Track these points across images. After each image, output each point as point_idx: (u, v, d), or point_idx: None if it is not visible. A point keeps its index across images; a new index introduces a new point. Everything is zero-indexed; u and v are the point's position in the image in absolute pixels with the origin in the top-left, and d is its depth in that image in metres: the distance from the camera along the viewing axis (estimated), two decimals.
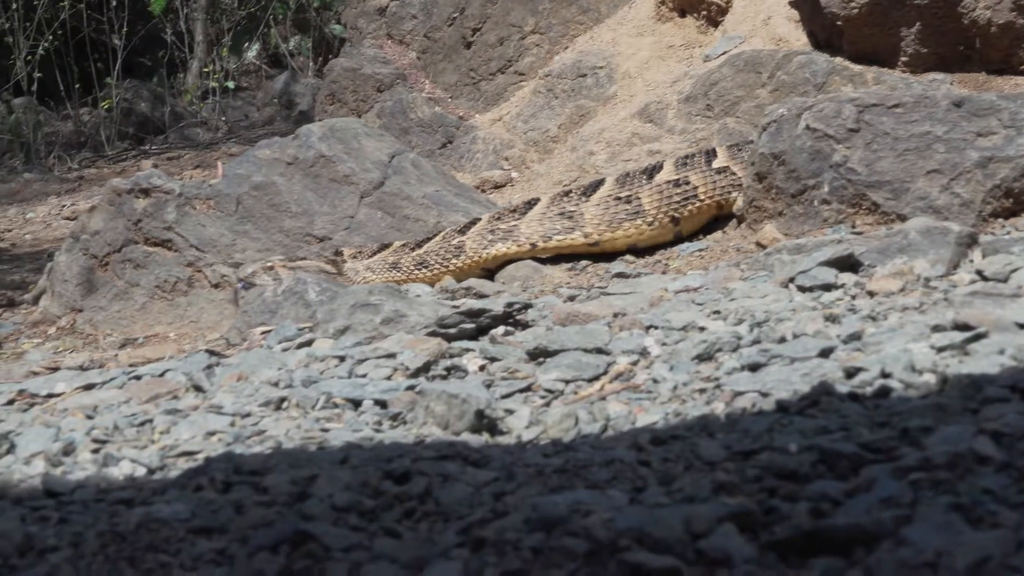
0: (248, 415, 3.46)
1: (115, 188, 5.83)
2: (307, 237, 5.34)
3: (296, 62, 15.29)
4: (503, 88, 7.83)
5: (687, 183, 5.30)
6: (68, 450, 3.31)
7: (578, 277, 4.95)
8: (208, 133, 14.13)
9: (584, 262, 5.10)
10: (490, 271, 5.22)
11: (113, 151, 13.80)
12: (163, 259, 5.46)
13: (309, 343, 4.15)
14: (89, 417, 3.69)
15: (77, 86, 14.57)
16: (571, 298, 4.50)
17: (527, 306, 4.24)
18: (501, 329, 4.11)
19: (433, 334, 4.06)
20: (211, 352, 4.29)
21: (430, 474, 2.75)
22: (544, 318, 4.20)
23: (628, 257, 5.14)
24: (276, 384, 3.67)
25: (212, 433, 3.33)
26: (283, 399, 3.54)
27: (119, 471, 3.12)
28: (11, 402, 4.14)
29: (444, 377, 3.69)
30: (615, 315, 4.12)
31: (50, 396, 4.11)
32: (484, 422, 3.19)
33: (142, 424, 3.48)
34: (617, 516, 2.35)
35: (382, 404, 3.48)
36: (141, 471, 3.12)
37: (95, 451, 3.31)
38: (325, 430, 3.29)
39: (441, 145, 7.59)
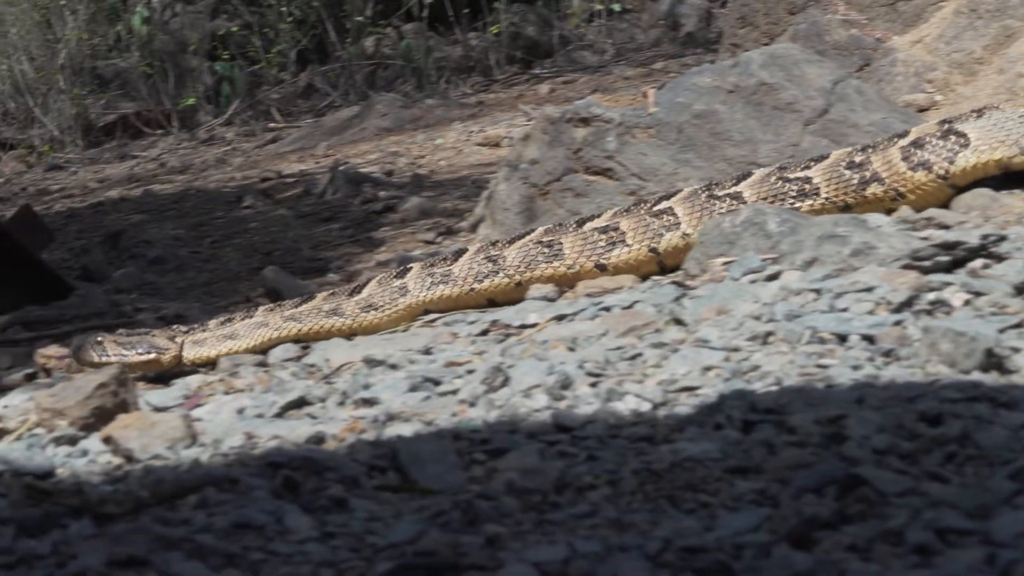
0: (737, 350, 3.44)
1: (547, 117, 5.88)
2: (750, 166, 5.29)
3: None
4: (922, 8, 7.61)
5: None
6: (565, 384, 3.35)
7: None
8: (595, 56, 14.17)
9: None
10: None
11: (502, 75, 13.97)
12: (604, 188, 5.49)
13: (776, 275, 4.11)
14: (571, 349, 3.73)
15: (466, 11, 14.79)
16: None
17: (1002, 238, 4.12)
18: (978, 262, 4.00)
19: (907, 267, 3.98)
20: (676, 283, 4.30)
21: (964, 416, 2.70)
22: (1019, 250, 4.07)
23: None
24: (758, 318, 3.65)
25: (708, 368, 3.32)
26: (768, 333, 3.51)
27: (624, 406, 3.15)
28: (485, 332, 4.22)
29: (928, 312, 3.61)
30: None
31: (523, 327, 4.17)
32: (992, 360, 3.11)
33: (632, 358, 3.50)
34: None
35: (869, 339, 3.42)
36: (646, 406, 3.13)
37: (593, 385, 3.34)
38: (822, 366, 3.25)
39: (858, 68, 7.43)
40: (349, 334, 4.82)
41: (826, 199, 4.68)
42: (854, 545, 2.23)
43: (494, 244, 4.90)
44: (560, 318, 4.14)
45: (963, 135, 4.61)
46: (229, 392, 4.12)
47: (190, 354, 4.86)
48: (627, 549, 2.33)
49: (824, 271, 4.05)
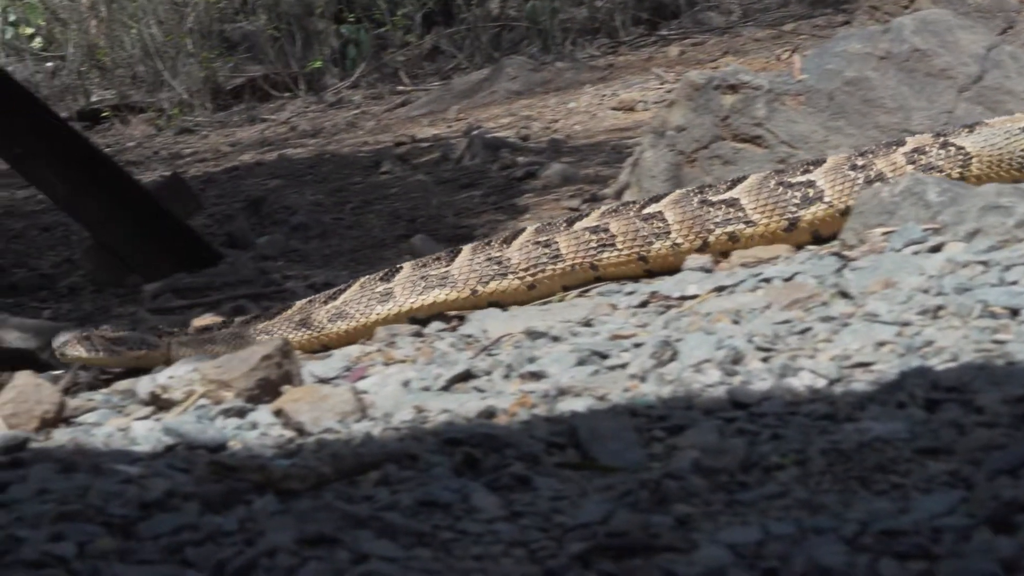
0: (908, 324, 3.41)
1: (692, 83, 5.84)
2: (903, 133, 5.24)
3: None
4: None
5: None
6: (736, 358, 3.34)
7: None
8: (722, 17, 14.04)
9: None
10: None
11: (628, 37, 13.89)
12: (753, 156, 5.45)
13: (939, 247, 4.06)
14: (735, 322, 3.72)
15: None
16: None
17: None
18: None
19: None
20: (835, 254, 4.26)
21: None
22: None
23: None
24: (927, 291, 3.61)
25: (881, 343, 3.29)
26: (939, 307, 3.47)
27: (799, 382, 3.13)
28: (644, 304, 4.21)
29: None
30: None
31: (683, 299, 4.15)
32: None
33: (802, 332, 3.48)
34: None
35: None
36: (821, 383, 3.11)
37: (764, 360, 3.32)
38: (998, 342, 3.21)
39: (1000, 32, 7.31)
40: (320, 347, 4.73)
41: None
42: None
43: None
44: (720, 289, 4.12)
45: None
46: (389, 363, 4.14)
47: (176, 356, 4.70)
48: (822, 532, 2.32)
49: (988, 242, 4.00)
